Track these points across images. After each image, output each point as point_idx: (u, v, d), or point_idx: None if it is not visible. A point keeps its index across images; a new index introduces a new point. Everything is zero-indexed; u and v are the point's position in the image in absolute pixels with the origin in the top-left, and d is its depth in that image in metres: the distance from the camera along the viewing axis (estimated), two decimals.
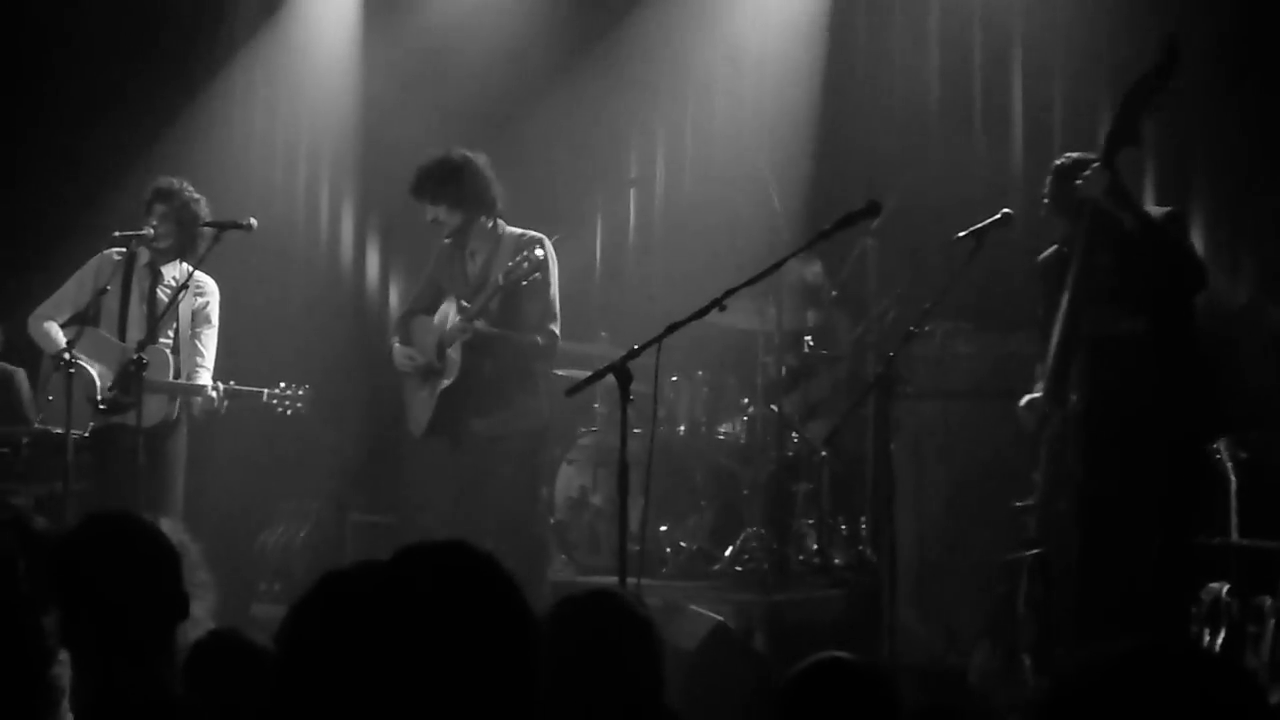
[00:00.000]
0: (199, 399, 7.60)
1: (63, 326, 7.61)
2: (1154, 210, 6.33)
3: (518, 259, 7.06)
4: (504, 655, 1.91)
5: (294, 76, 10.43)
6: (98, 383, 7.52)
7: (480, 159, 7.29)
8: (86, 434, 7.52)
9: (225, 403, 7.60)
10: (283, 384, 7.64)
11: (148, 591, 3.18)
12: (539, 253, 7.08)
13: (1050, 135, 8.77)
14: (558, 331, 7.37)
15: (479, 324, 7.12)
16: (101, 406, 7.43)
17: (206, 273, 7.71)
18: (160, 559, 3.25)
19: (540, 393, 7.33)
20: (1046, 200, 6.58)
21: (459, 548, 1.99)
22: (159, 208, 7.67)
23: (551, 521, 8.48)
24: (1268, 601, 6.62)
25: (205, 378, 7.62)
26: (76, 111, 9.82)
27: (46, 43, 9.87)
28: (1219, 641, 6.48)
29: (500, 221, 7.34)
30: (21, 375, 8.47)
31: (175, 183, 7.74)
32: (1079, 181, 6.21)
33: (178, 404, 7.64)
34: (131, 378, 7.14)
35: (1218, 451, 6.69)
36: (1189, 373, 6.23)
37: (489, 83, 9.95)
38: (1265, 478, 6.76)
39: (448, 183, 7.18)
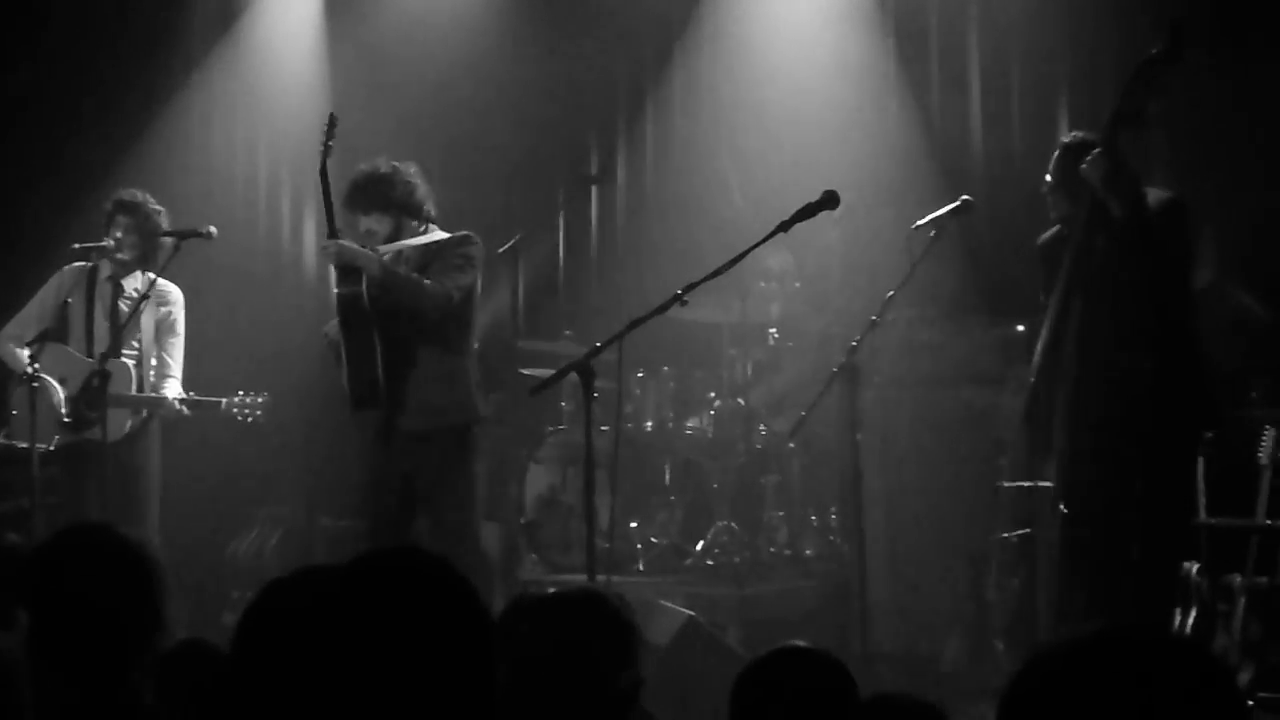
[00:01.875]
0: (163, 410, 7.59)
1: (30, 344, 7.56)
2: (1156, 195, 6.18)
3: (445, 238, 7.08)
4: (459, 659, 1.90)
5: (254, 83, 10.38)
6: (61, 397, 7.49)
7: (410, 167, 7.22)
8: (52, 448, 7.49)
9: (188, 411, 7.59)
10: (241, 393, 7.59)
11: (123, 604, 3.17)
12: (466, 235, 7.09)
13: (1010, 119, 8.82)
14: (456, 296, 6.94)
15: (343, 241, 6.96)
16: (66, 420, 7.40)
17: (170, 281, 7.69)
18: (138, 572, 3.23)
19: (468, 386, 7.13)
20: (1050, 179, 6.41)
21: (412, 553, 1.98)
22: (121, 219, 7.66)
23: (521, 521, 8.48)
24: (1237, 580, 6.66)
25: (172, 388, 7.61)
26: (41, 128, 9.81)
27: (9, 60, 9.84)
28: (1189, 620, 6.52)
29: (432, 226, 7.25)
30: None
31: (137, 195, 7.73)
32: (1083, 165, 6.10)
33: (143, 414, 7.62)
34: (95, 392, 7.11)
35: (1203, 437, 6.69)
36: (1183, 363, 6.13)
37: (448, 85, 9.94)
38: (1231, 458, 6.80)
39: (375, 192, 7.11)
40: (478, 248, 7.10)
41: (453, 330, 7.04)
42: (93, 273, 7.70)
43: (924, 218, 6.51)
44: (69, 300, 7.57)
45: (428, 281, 6.89)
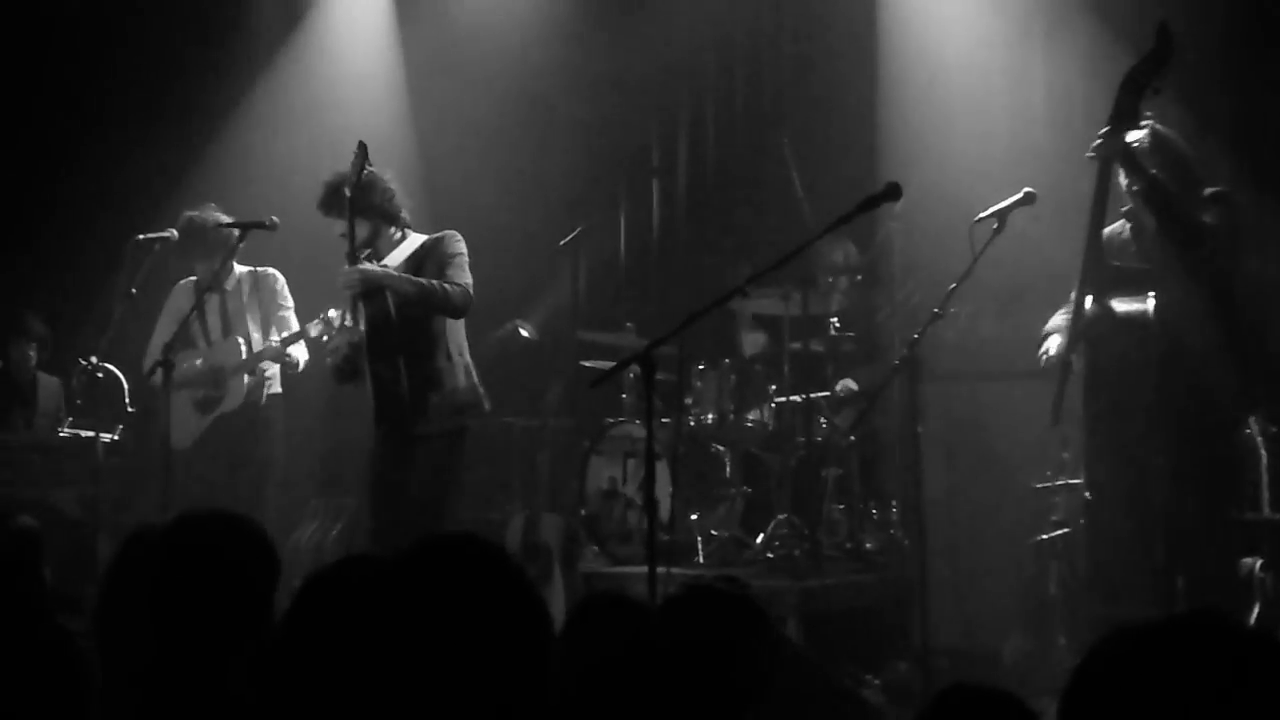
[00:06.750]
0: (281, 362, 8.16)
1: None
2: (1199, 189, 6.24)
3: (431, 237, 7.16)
4: (512, 646, 1.90)
5: (322, 78, 10.45)
6: (125, 387, 8.09)
7: (387, 173, 7.25)
8: (116, 437, 8.20)
9: (294, 357, 8.08)
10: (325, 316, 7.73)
11: (247, 597, 3.04)
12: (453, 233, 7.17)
13: (1072, 107, 8.76)
14: (469, 289, 7.05)
15: (365, 266, 6.99)
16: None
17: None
18: (266, 567, 3.14)
19: (475, 385, 7.21)
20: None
21: (469, 540, 1.98)
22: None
23: (582, 513, 8.49)
24: None
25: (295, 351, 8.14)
26: (117, 130, 10.03)
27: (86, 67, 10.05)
28: (1252, 616, 6.46)
29: (409, 231, 7.27)
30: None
31: (196, 219, 8.07)
32: (1095, 144, 6.13)
33: (261, 379, 8.22)
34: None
35: (1248, 427, 6.64)
36: (1211, 345, 6.10)
37: (511, 78, 9.97)
38: None
39: (355, 197, 7.06)
40: (465, 244, 7.14)
41: (460, 333, 7.18)
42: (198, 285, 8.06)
43: (986, 210, 6.48)
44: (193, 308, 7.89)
45: (449, 285, 6.97)
